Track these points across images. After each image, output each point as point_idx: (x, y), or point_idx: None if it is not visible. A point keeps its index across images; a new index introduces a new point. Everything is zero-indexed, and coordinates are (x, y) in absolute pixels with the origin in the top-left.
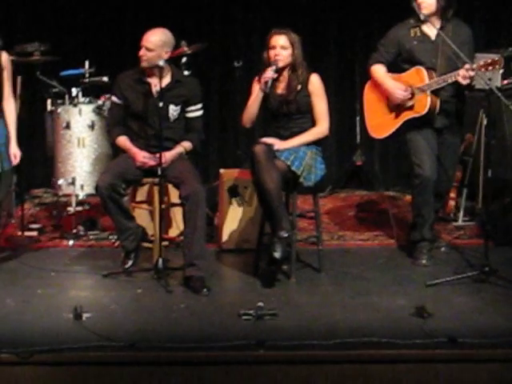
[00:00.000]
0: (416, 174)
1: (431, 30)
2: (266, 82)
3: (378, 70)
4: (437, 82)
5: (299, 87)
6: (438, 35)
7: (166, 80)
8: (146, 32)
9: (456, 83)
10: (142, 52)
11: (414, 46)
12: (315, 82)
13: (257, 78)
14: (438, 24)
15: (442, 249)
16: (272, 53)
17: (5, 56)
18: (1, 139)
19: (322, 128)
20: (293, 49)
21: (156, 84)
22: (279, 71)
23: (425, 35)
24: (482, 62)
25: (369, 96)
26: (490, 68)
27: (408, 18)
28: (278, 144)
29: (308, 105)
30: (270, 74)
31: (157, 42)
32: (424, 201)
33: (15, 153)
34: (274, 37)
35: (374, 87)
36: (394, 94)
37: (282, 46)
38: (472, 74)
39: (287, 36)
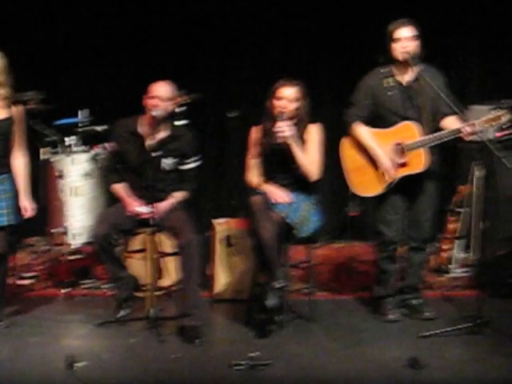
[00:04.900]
0: (379, 232)
1: (404, 78)
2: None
3: (362, 132)
4: (435, 139)
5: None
6: (411, 83)
7: (163, 133)
8: (154, 83)
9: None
10: (156, 102)
11: (389, 96)
12: (312, 132)
13: (255, 129)
14: (412, 71)
15: (413, 301)
16: (277, 104)
17: (14, 110)
18: (3, 194)
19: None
20: (300, 102)
21: (151, 136)
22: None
23: (399, 84)
24: (484, 118)
25: (348, 152)
26: (495, 122)
27: (376, 67)
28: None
29: None
30: (285, 126)
31: (169, 92)
32: (388, 257)
33: (25, 205)
34: (283, 88)
35: (353, 143)
36: (385, 170)
37: (288, 99)
38: (477, 129)
39: (296, 89)
